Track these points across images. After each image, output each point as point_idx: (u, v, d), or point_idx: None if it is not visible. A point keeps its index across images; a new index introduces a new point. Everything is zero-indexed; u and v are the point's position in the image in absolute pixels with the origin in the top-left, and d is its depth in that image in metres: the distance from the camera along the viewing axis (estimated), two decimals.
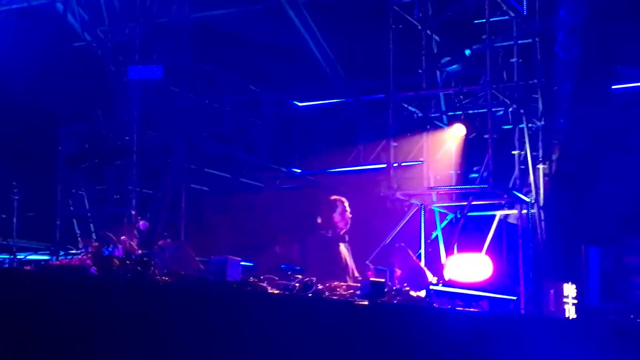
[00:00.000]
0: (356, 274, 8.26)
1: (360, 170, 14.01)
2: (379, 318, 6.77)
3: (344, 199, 8.29)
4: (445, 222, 12.79)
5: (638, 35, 12.41)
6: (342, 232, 8.23)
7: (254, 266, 9.29)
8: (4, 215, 10.05)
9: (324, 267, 7.79)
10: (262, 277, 6.40)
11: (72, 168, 11.77)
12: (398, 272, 9.75)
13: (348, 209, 8.28)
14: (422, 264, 10.39)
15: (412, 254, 10.06)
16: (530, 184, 12.37)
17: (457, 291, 9.69)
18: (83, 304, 4.55)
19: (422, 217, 12.23)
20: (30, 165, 11.32)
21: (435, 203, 12.62)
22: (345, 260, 8.20)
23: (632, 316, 11.40)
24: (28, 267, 6.11)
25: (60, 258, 9.64)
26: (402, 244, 10.26)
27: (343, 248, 8.24)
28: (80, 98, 11.76)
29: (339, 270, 7.99)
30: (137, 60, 11.76)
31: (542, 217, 12.35)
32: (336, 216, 8.23)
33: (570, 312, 10.77)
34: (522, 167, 12.25)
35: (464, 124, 12.11)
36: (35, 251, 10.68)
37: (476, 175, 12.11)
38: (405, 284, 8.26)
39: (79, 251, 5.75)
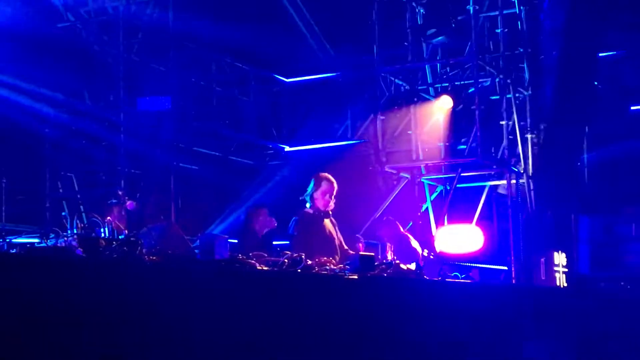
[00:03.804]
0: (345, 247, 8.24)
1: (349, 144, 13.99)
2: (369, 292, 6.78)
3: (332, 181, 8.17)
4: (435, 194, 12.80)
5: (623, 1, 12.39)
6: (323, 210, 8.16)
7: (237, 246, 9.28)
8: None
9: (307, 243, 7.74)
10: (250, 254, 6.38)
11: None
12: (391, 246, 9.75)
13: (333, 192, 8.15)
14: (412, 236, 10.39)
15: (400, 227, 10.06)
16: (518, 154, 12.37)
17: (448, 262, 9.72)
18: (69, 285, 4.54)
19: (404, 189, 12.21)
20: (17, 148, 11.27)
21: (425, 175, 12.63)
22: (330, 233, 8.16)
23: (622, 283, 11.47)
24: (14, 250, 6.09)
25: (49, 241, 9.60)
26: (391, 217, 10.26)
27: (328, 222, 8.19)
28: (66, 79, 11.69)
29: (325, 245, 7.95)
30: (121, 40, 11.70)
31: (532, 187, 12.36)
32: (317, 194, 8.13)
33: (561, 280, 10.82)
34: (511, 137, 12.25)
35: (451, 96, 12.10)
36: (22, 234, 10.65)
37: (465, 146, 12.12)
38: (394, 257, 8.26)
39: (67, 233, 5.73)
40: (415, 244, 9.92)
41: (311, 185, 8.14)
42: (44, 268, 4.57)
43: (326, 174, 8.21)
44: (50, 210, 11.59)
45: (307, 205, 8.14)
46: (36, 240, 9.14)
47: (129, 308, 4.81)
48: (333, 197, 8.11)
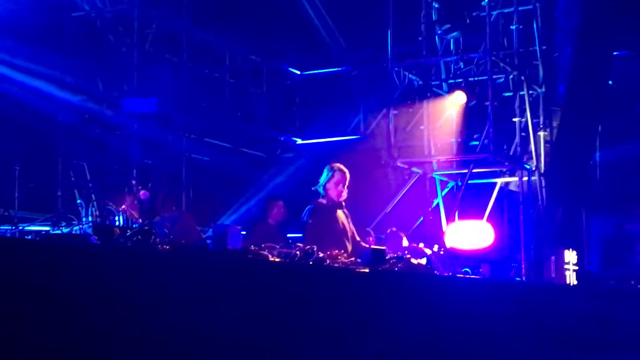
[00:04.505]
0: (357, 238, 8.25)
1: (362, 138, 13.99)
2: (380, 285, 6.79)
3: (345, 171, 8.21)
4: (446, 190, 12.80)
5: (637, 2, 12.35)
6: (336, 201, 8.19)
7: (247, 236, 9.29)
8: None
9: (320, 235, 7.77)
10: (262, 245, 6.40)
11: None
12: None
13: (346, 182, 8.19)
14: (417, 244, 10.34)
15: (404, 240, 9.99)
16: (531, 151, 12.36)
17: (458, 258, 9.72)
18: (84, 273, 4.57)
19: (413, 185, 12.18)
20: (30, 136, 11.30)
21: (436, 171, 12.62)
22: (344, 225, 8.18)
23: (632, 282, 11.46)
24: (29, 237, 6.13)
25: (64, 228, 9.65)
26: (394, 229, 10.22)
27: (341, 214, 8.21)
28: (80, 68, 11.72)
29: (337, 237, 7.98)
30: (136, 30, 11.72)
31: (543, 184, 12.34)
32: (329, 184, 8.17)
33: (571, 278, 10.80)
34: (523, 134, 12.24)
35: (464, 92, 12.08)
36: (35, 222, 10.69)
37: (477, 142, 12.10)
38: (406, 252, 8.28)
39: (80, 222, 5.75)
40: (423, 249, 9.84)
41: (324, 175, 8.17)
42: (59, 254, 4.60)
43: (339, 164, 8.24)
44: (62, 198, 11.62)
45: (321, 195, 8.18)
46: (49, 228, 9.19)
47: (142, 296, 4.83)
48: (346, 187, 8.14)
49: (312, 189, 8.23)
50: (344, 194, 8.17)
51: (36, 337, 4.32)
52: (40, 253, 4.49)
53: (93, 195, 11.67)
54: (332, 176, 8.15)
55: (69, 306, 4.44)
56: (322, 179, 8.18)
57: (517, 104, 12.15)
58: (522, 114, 12.19)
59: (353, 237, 8.23)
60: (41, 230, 6.42)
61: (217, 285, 5.33)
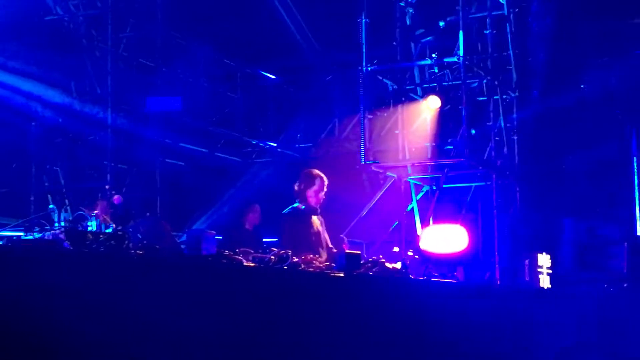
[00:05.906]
0: (330, 245, 8.28)
1: (336, 142, 13.99)
2: (355, 290, 6.80)
3: (324, 178, 8.26)
4: (420, 194, 12.81)
5: (609, 7, 12.47)
6: (312, 207, 8.23)
7: (224, 240, 9.28)
8: None
9: (296, 240, 7.78)
10: (237, 250, 6.39)
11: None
12: None
13: (325, 188, 8.26)
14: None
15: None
16: (505, 156, 12.41)
17: (432, 262, 9.74)
18: (56, 278, 4.54)
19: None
20: (3, 141, 11.22)
21: (411, 175, 12.63)
22: (318, 231, 8.20)
23: (605, 285, 11.53)
24: (1, 242, 6.07)
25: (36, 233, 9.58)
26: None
27: (316, 220, 8.24)
28: (53, 72, 11.65)
29: (311, 243, 8.00)
30: (110, 34, 11.67)
31: (517, 189, 12.40)
32: (310, 192, 8.22)
33: (545, 282, 10.86)
34: (497, 138, 12.29)
35: (438, 96, 12.11)
36: (7, 227, 10.60)
37: (451, 147, 12.14)
38: (380, 256, 8.29)
39: (52, 227, 5.71)
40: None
41: (303, 182, 8.20)
42: (31, 260, 4.57)
43: (317, 171, 8.28)
44: (35, 203, 11.54)
45: (297, 201, 8.20)
46: (21, 233, 9.11)
47: (115, 301, 4.80)
48: (324, 192, 8.20)
49: (293, 194, 8.25)
50: (321, 198, 8.24)
51: (8, 341, 4.28)
52: (12, 258, 4.46)
53: (66, 200, 11.62)
54: (313, 184, 8.20)
55: (41, 311, 4.41)
56: (302, 186, 8.21)
57: (491, 108, 12.20)
58: (496, 118, 12.24)
59: (327, 244, 8.25)
60: (13, 236, 6.35)
61: (192, 290, 5.32)
